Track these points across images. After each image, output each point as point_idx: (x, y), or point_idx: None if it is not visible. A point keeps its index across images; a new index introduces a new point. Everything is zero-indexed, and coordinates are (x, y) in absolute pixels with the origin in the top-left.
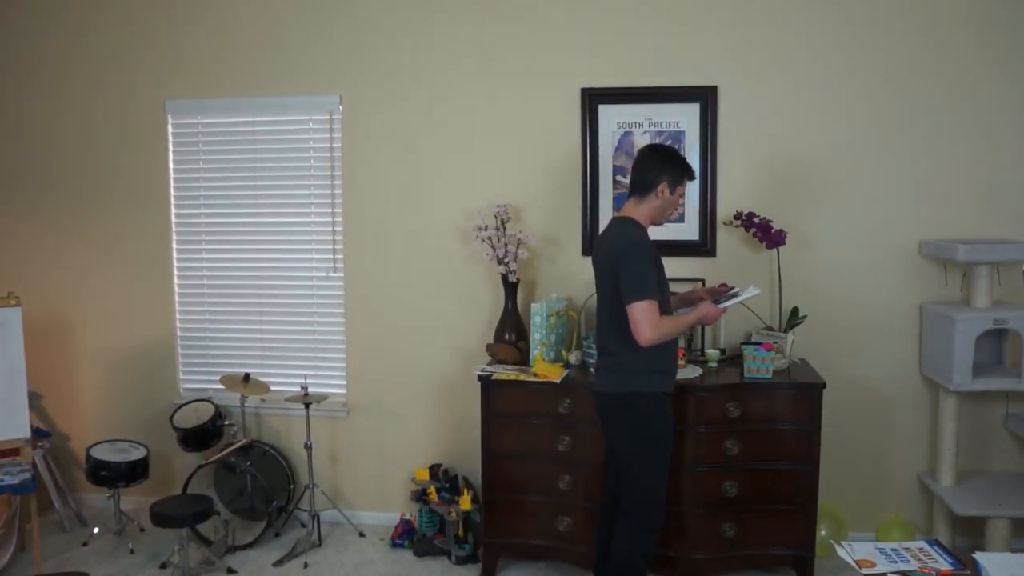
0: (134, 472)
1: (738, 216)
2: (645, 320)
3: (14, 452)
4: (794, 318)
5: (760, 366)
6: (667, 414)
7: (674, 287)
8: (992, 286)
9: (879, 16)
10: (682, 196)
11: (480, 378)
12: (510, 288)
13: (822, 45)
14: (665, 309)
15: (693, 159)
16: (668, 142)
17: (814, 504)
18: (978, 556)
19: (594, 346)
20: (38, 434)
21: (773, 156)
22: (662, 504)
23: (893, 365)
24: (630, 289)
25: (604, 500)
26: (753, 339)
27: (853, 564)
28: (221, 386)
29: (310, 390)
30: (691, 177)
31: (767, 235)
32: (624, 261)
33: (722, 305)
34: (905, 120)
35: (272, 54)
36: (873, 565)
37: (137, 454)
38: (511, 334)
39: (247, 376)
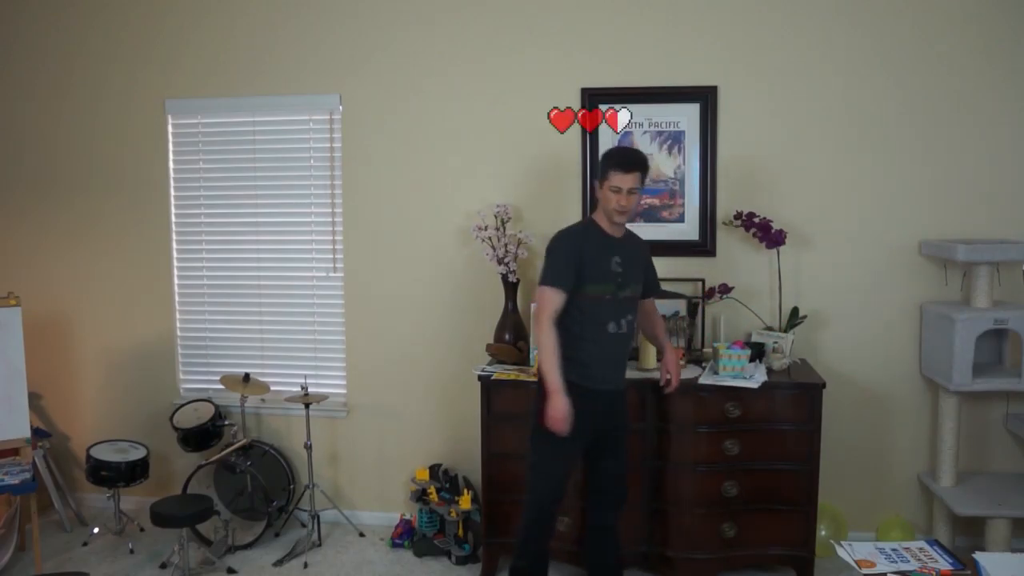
0: (134, 472)
1: (738, 216)
2: (546, 305)
3: (14, 452)
4: (794, 318)
5: (735, 363)
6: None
7: (675, 287)
8: (992, 286)
9: (879, 16)
10: (616, 190)
11: (480, 378)
12: (510, 288)
13: (822, 45)
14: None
15: (693, 159)
16: (668, 142)
17: (814, 504)
18: (978, 556)
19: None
20: (38, 434)
21: (773, 156)
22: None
23: (893, 365)
24: (542, 274)
25: (589, 506)
26: (753, 339)
27: (853, 564)
28: (221, 386)
29: (310, 390)
30: (615, 168)
31: (767, 235)
32: (546, 250)
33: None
34: (905, 120)
35: (272, 54)
36: (873, 565)
37: (137, 454)
38: (511, 334)
39: (247, 376)
